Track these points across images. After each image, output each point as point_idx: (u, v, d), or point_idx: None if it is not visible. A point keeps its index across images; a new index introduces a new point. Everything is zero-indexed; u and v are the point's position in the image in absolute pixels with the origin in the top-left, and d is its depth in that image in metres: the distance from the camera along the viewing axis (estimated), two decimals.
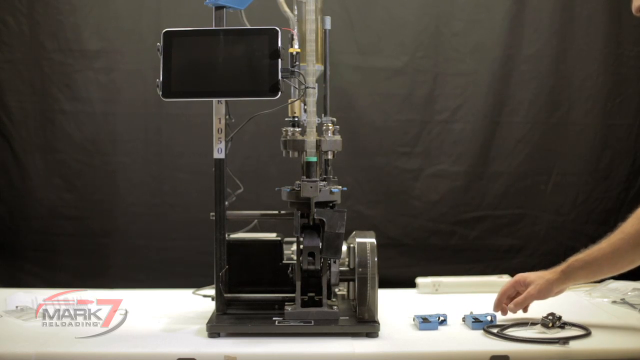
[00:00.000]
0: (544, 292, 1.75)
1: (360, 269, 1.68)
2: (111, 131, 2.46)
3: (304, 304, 1.71)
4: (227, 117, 1.74)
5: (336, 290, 1.84)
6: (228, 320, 1.71)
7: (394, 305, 1.91)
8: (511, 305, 1.77)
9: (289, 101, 1.75)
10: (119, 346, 1.61)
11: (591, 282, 1.76)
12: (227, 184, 1.75)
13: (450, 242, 2.51)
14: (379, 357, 1.58)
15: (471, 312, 1.76)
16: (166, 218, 2.47)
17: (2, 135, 2.43)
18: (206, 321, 1.69)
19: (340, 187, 1.72)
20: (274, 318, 1.70)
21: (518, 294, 1.79)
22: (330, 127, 1.71)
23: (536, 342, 1.60)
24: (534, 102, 2.49)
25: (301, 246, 1.69)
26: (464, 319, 1.76)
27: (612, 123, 2.49)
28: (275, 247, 1.82)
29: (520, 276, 1.81)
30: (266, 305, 1.78)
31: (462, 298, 2.06)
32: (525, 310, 1.78)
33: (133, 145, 2.47)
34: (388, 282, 1.98)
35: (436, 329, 1.72)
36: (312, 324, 1.67)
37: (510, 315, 1.78)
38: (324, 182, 1.71)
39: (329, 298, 1.72)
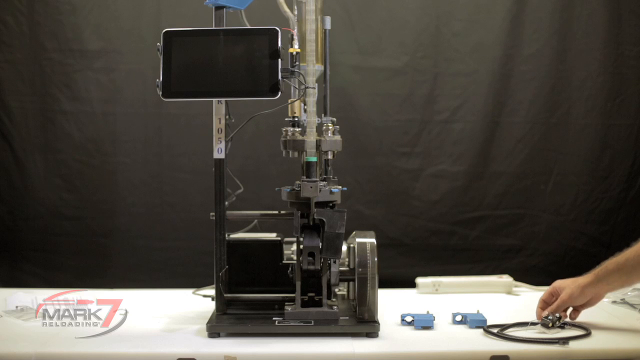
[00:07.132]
0: (576, 297, 1.70)
1: (360, 269, 1.68)
2: (111, 131, 2.45)
3: (304, 304, 1.71)
4: (227, 117, 1.74)
5: (336, 290, 1.84)
6: (228, 320, 1.71)
7: (394, 305, 1.91)
8: (545, 312, 1.72)
9: (289, 101, 1.75)
10: (119, 346, 1.61)
11: (628, 287, 1.67)
12: (227, 184, 1.74)
13: (450, 242, 2.51)
14: (379, 357, 1.58)
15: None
16: (166, 218, 2.47)
17: (2, 135, 2.43)
18: (206, 321, 1.69)
19: (340, 187, 1.72)
20: (274, 318, 1.70)
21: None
22: (330, 127, 1.70)
23: (536, 342, 1.60)
24: (534, 102, 2.49)
25: (301, 246, 1.69)
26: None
27: (612, 123, 2.49)
28: (275, 247, 1.81)
29: (556, 284, 1.76)
30: (266, 305, 1.78)
31: (462, 298, 2.06)
32: (567, 316, 1.74)
33: (133, 145, 2.46)
34: (388, 282, 1.98)
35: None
36: (312, 324, 1.67)
37: (510, 316, 1.78)
38: (324, 182, 1.71)
39: (329, 298, 1.72)
